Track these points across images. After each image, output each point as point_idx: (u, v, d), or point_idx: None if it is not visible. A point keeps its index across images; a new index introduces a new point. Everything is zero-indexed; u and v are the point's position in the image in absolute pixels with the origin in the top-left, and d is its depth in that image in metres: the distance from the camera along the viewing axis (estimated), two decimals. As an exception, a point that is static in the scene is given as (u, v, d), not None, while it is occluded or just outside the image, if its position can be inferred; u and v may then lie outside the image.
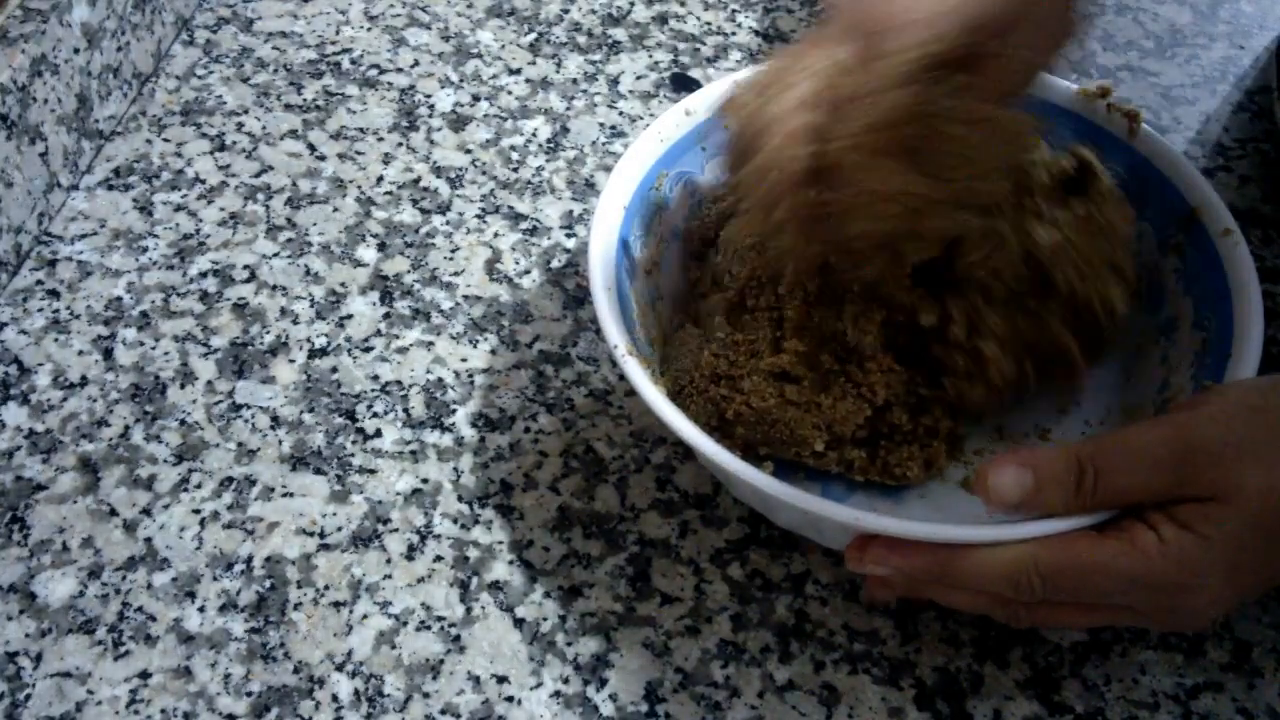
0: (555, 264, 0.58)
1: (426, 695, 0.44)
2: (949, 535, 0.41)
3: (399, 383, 0.53)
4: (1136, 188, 0.52)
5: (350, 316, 0.56)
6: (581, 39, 0.69)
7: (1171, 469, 0.39)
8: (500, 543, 0.48)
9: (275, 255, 0.58)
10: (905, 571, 0.42)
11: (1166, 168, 0.51)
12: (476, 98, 0.66)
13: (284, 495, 0.50)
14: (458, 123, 0.64)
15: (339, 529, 0.49)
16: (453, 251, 0.58)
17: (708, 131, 0.53)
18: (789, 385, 0.47)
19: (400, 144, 0.63)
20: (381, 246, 0.59)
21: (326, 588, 0.47)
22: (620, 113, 0.65)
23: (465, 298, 0.57)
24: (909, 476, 0.48)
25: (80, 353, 0.54)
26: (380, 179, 0.61)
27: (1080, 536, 0.40)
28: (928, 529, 0.41)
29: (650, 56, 0.68)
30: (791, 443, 0.47)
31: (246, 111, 0.64)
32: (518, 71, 0.67)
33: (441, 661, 0.45)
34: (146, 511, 0.49)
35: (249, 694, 0.44)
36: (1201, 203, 0.49)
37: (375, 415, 0.52)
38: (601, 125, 0.64)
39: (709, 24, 0.70)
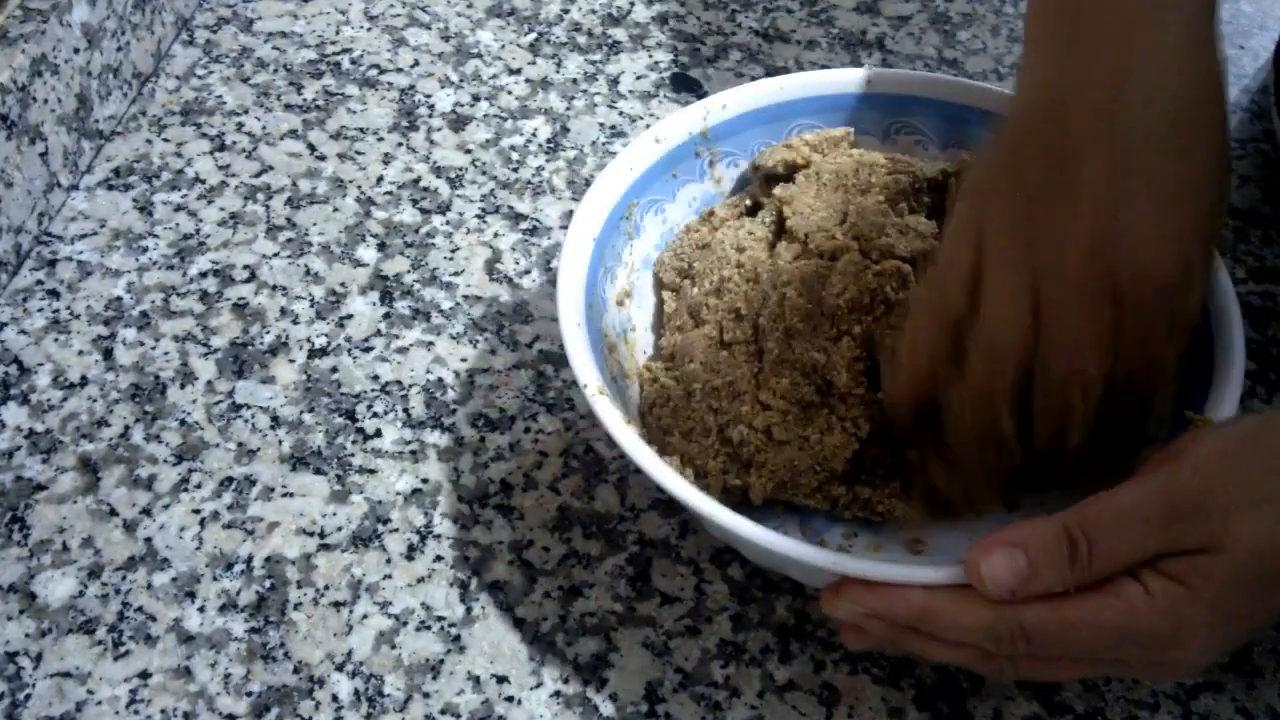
0: (555, 264, 0.58)
1: (426, 695, 0.44)
2: (926, 578, 0.40)
3: (399, 383, 0.53)
4: None
5: (350, 316, 0.56)
6: (581, 39, 0.69)
7: (1161, 528, 0.38)
8: (500, 543, 0.48)
9: (275, 255, 0.58)
10: (882, 616, 0.40)
11: None
12: (476, 98, 0.66)
13: (284, 495, 0.50)
14: (458, 123, 0.64)
15: (339, 529, 0.49)
16: (453, 251, 0.58)
17: (679, 159, 0.53)
18: (774, 424, 0.46)
19: (400, 144, 0.63)
20: (381, 246, 0.59)
21: (326, 588, 0.47)
22: (620, 113, 0.65)
23: (465, 298, 0.57)
24: (893, 514, 0.46)
25: (80, 353, 0.54)
26: (380, 179, 0.61)
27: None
28: (903, 571, 0.40)
29: (650, 56, 0.68)
30: (789, 482, 0.46)
31: (246, 111, 0.64)
32: (518, 71, 0.67)
33: (441, 661, 0.45)
34: (146, 511, 0.49)
35: (249, 694, 0.44)
36: None
37: (375, 415, 0.52)
38: (601, 125, 0.64)
39: (709, 24, 0.70)
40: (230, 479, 0.50)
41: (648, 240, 0.53)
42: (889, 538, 0.47)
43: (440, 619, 0.46)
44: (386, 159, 0.62)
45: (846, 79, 0.55)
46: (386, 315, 0.56)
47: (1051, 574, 0.39)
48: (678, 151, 0.53)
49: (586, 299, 0.48)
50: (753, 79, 0.63)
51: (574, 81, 0.67)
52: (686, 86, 0.66)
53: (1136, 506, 0.39)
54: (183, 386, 0.53)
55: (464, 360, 0.54)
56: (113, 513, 0.49)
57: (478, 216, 0.60)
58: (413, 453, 0.51)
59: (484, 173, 0.62)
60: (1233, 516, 0.38)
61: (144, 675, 0.45)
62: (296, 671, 0.45)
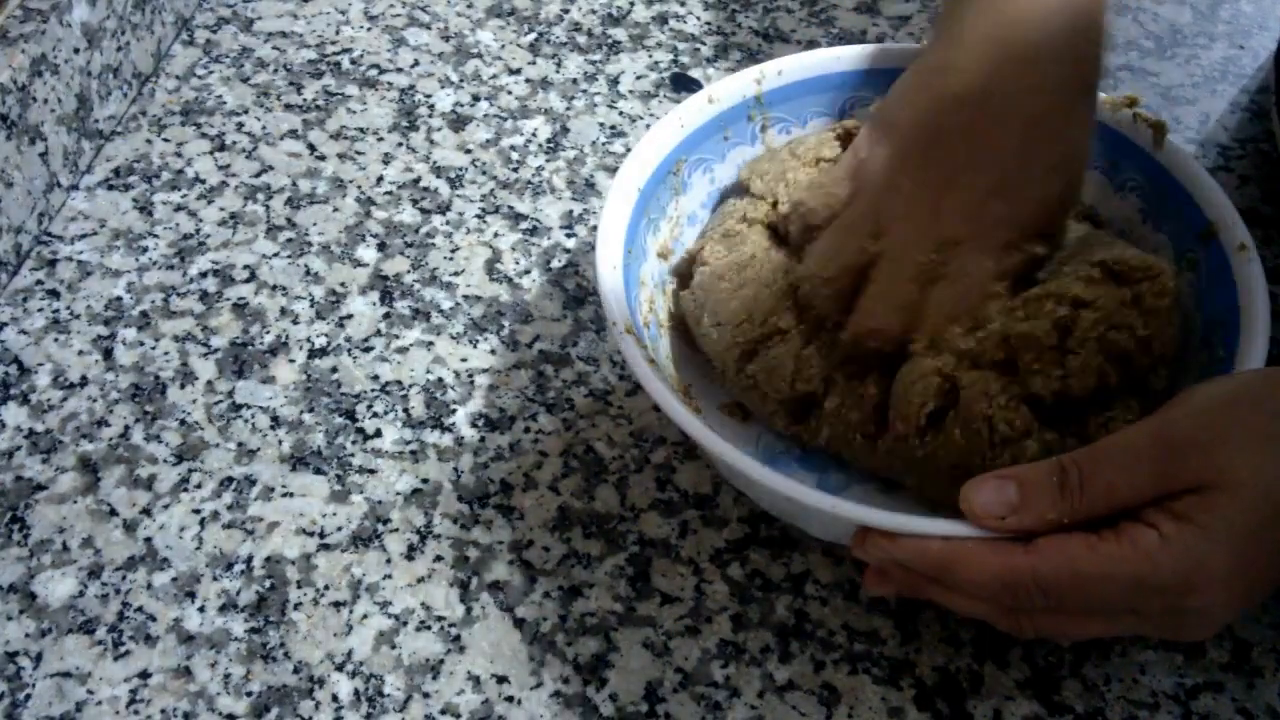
0: (555, 264, 0.58)
1: (426, 695, 0.44)
2: (935, 529, 0.40)
3: (399, 383, 0.53)
4: (1156, 199, 0.51)
5: (350, 316, 0.56)
6: (581, 39, 0.69)
7: (1155, 460, 0.39)
8: (500, 543, 0.48)
9: (275, 255, 0.58)
10: (903, 564, 0.41)
11: (1187, 181, 0.51)
12: (476, 98, 0.66)
13: (284, 495, 0.50)
14: (458, 123, 0.64)
15: (339, 529, 0.49)
16: (453, 251, 0.58)
17: (731, 120, 0.53)
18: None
19: (400, 144, 0.63)
20: (381, 246, 0.59)
21: (326, 588, 0.47)
22: (620, 113, 0.65)
23: (465, 298, 0.57)
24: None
25: (80, 353, 0.54)
26: (380, 179, 0.61)
27: (1078, 543, 0.39)
28: (912, 522, 0.40)
29: (650, 56, 0.68)
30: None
31: (246, 111, 0.64)
32: (518, 71, 0.67)
33: (441, 661, 0.45)
34: (146, 511, 0.49)
35: (249, 694, 0.44)
36: (1219, 218, 0.49)
37: (375, 415, 0.52)
38: (601, 125, 0.64)
39: (709, 24, 0.70)
40: (230, 479, 0.50)
41: (694, 198, 0.54)
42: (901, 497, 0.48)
43: (440, 619, 0.46)
44: (386, 159, 0.62)
45: (902, 52, 0.55)
46: (386, 315, 0.56)
47: (1042, 501, 0.39)
48: (730, 113, 0.54)
49: (626, 245, 0.48)
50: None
51: (574, 81, 0.67)
52: (686, 86, 0.66)
53: (1130, 443, 0.40)
54: (183, 386, 0.53)
55: (464, 360, 0.54)
56: (113, 513, 0.49)
57: (478, 216, 0.60)
58: (413, 453, 0.51)
59: (484, 173, 0.62)
60: (1231, 452, 0.38)
61: (144, 675, 0.45)
62: (296, 671, 0.45)
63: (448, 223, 0.60)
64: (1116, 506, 0.39)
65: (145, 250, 0.58)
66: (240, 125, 0.64)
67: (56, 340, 0.54)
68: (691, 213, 0.54)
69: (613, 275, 0.47)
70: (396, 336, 0.55)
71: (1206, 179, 0.50)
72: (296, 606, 0.46)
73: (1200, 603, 0.39)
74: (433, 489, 0.50)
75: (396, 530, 0.49)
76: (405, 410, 0.52)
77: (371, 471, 0.50)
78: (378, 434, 0.52)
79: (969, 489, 0.40)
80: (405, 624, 0.46)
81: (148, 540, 0.48)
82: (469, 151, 0.63)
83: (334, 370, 0.54)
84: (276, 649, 0.45)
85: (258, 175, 0.61)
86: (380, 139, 0.63)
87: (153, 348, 0.54)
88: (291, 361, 0.54)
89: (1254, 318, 0.46)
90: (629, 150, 0.52)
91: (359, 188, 0.61)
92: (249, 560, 0.48)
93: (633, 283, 0.48)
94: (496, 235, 0.59)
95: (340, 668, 0.45)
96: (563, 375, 0.54)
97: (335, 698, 0.44)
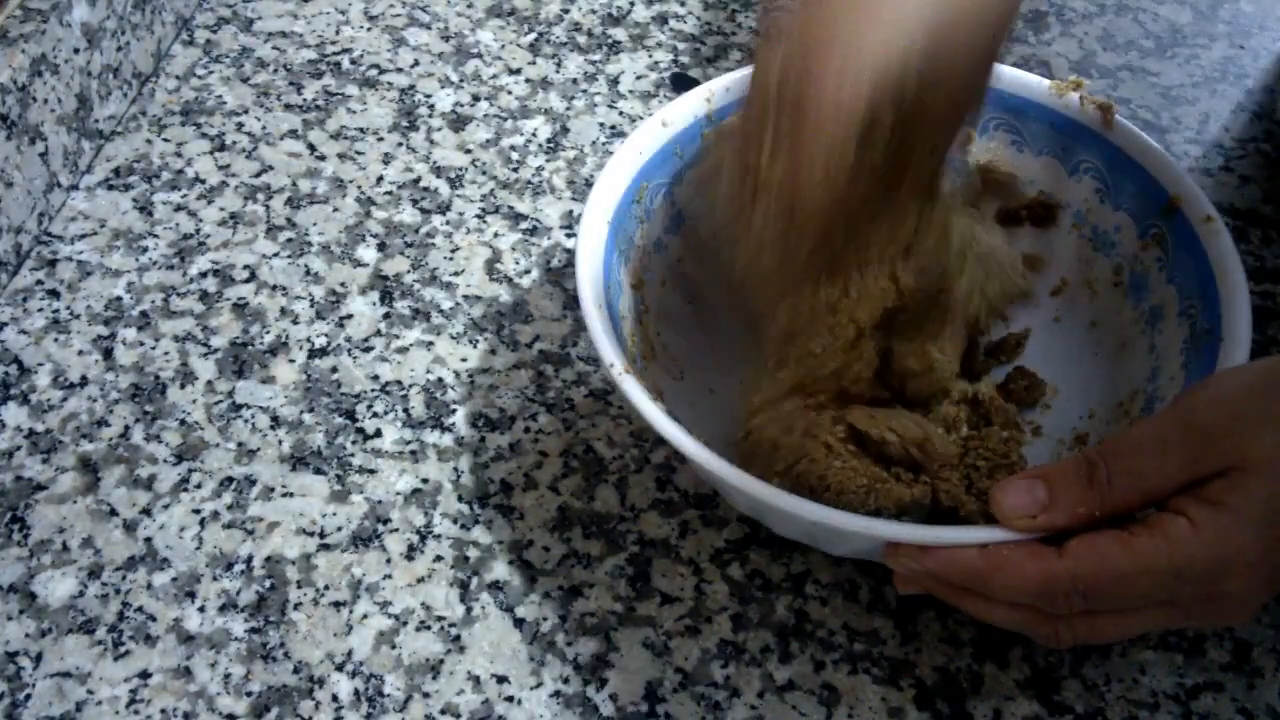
0: (555, 264, 0.58)
1: (426, 695, 0.44)
2: (967, 538, 0.40)
3: (399, 383, 0.53)
4: (1112, 179, 0.52)
5: (350, 316, 0.56)
6: (581, 39, 0.69)
7: (1180, 447, 0.39)
8: (500, 543, 0.48)
9: (275, 255, 0.58)
10: (937, 576, 0.41)
11: (1142, 158, 0.51)
12: (476, 98, 0.66)
13: (284, 495, 0.50)
14: (458, 123, 0.64)
15: (339, 529, 0.49)
16: (453, 251, 0.59)
17: (685, 141, 0.53)
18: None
19: (400, 144, 0.63)
20: (381, 246, 0.59)
21: (326, 588, 0.47)
22: (620, 113, 0.65)
23: (465, 298, 0.57)
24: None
25: (80, 353, 0.54)
26: (380, 179, 0.62)
27: (1111, 540, 0.39)
28: (943, 534, 0.40)
29: (650, 56, 0.68)
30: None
31: (246, 111, 0.64)
32: (518, 71, 0.67)
33: (441, 661, 0.45)
34: (146, 511, 0.49)
35: (249, 694, 0.44)
36: (1180, 191, 0.49)
37: (375, 415, 0.52)
38: (601, 125, 0.64)
39: (709, 24, 0.70)
40: (230, 479, 0.50)
41: (657, 224, 0.53)
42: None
43: (440, 619, 0.46)
44: (386, 159, 0.62)
45: None
46: (386, 315, 0.56)
47: (1071, 496, 0.39)
48: (684, 135, 0.53)
49: (604, 281, 0.48)
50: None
51: (574, 81, 0.67)
52: (686, 86, 0.66)
53: (1153, 430, 0.40)
54: (183, 386, 0.53)
55: (464, 360, 0.54)
56: (113, 513, 0.49)
57: (478, 216, 0.60)
58: (413, 453, 0.51)
59: (484, 173, 0.62)
60: (1255, 434, 0.38)
61: (144, 675, 0.45)
62: (296, 671, 0.45)
63: (448, 223, 0.60)
64: (1146, 496, 0.39)
65: (145, 250, 0.58)
66: (240, 125, 0.64)
67: (56, 340, 0.54)
68: (656, 239, 0.53)
69: (599, 314, 0.45)
70: (396, 336, 0.55)
71: (1161, 154, 0.51)
72: (296, 606, 0.46)
73: (1236, 586, 0.39)
74: (433, 489, 0.50)
75: (396, 530, 0.49)
76: (405, 410, 0.52)
77: (371, 471, 0.50)
78: (378, 434, 0.52)
79: (997, 491, 0.40)
80: (405, 624, 0.46)
81: (148, 540, 0.48)
82: (469, 151, 0.63)
83: (334, 370, 0.54)
84: (276, 649, 0.45)
85: (258, 175, 0.61)
86: (380, 139, 0.63)
87: (153, 348, 0.54)
88: (291, 361, 0.54)
89: (1232, 289, 0.46)
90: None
91: (359, 188, 0.61)
92: (249, 560, 0.48)
93: (616, 319, 0.47)
94: (496, 235, 0.59)
95: (340, 668, 0.45)
96: (563, 375, 0.54)
97: (335, 698, 0.44)
